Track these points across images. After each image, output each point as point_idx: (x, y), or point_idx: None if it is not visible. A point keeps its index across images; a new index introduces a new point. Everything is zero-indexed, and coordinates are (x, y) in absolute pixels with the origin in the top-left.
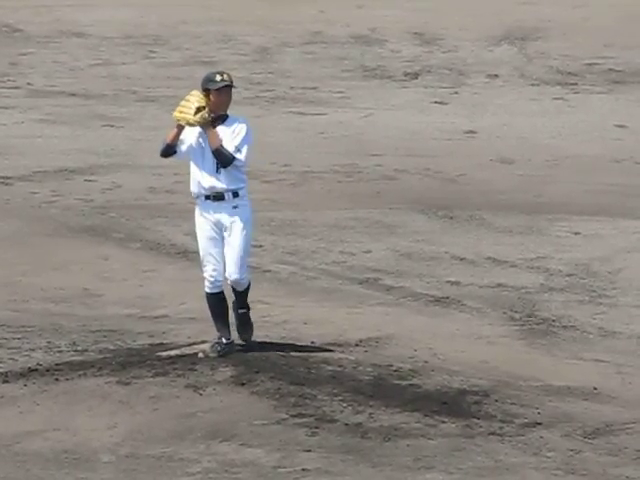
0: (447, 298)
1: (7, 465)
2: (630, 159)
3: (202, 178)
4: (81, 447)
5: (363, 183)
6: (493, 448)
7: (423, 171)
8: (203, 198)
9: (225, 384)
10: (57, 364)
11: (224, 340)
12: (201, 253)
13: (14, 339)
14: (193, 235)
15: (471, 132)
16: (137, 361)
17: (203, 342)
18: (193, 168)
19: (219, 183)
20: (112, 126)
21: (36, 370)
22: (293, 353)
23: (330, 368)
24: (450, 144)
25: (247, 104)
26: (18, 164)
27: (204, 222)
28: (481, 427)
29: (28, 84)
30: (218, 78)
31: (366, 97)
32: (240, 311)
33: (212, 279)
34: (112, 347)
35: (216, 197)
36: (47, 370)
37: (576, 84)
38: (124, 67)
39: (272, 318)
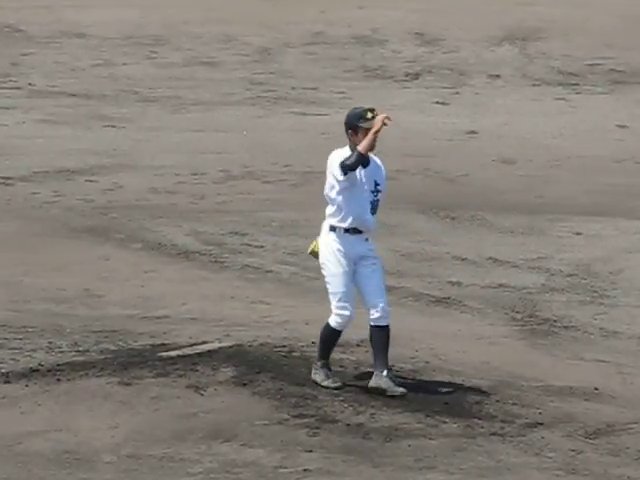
0: (448, 298)
1: (9, 465)
2: (631, 159)
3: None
4: (82, 447)
5: None
6: (494, 448)
7: (424, 171)
8: (342, 231)
9: (226, 384)
10: (58, 364)
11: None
12: (338, 289)
13: (15, 339)
14: (194, 235)
15: (472, 132)
16: (138, 361)
17: (204, 342)
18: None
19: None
20: (113, 126)
21: (37, 370)
22: (294, 353)
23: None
24: (451, 144)
25: (248, 104)
26: (19, 164)
27: (342, 256)
28: (482, 427)
29: (29, 84)
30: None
31: (367, 97)
32: (387, 372)
33: (347, 316)
34: (113, 347)
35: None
36: (48, 370)
37: (577, 84)
38: (125, 67)
39: (273, 318)
